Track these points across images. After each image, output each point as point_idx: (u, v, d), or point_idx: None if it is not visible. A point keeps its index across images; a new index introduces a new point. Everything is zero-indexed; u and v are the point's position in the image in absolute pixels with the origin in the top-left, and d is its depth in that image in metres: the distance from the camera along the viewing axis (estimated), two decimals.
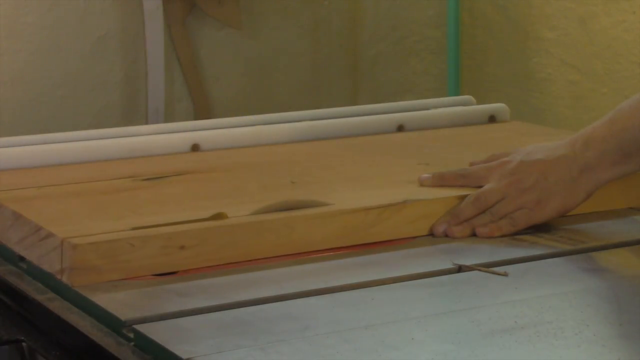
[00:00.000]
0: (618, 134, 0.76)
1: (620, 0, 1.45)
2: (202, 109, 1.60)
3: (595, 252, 0.75)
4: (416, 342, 0.69)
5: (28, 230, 0.76)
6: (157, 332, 0.66)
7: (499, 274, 0.65)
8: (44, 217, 0.77)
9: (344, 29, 1.72)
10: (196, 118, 1.57)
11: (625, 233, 0.82)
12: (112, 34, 1.54)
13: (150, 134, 1.08)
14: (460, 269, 0.65)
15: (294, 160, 1.01)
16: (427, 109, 1.21)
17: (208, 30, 1.61)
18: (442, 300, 0.65)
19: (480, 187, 0.82)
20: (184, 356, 0.62)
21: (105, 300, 0.71)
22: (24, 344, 0.66)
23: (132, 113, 1.57)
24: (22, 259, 0.77)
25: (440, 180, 0.86)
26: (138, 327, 0.67)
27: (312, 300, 0.68)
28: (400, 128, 1.15)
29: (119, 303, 0.71)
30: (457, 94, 1.63)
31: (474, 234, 0.78)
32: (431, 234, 0.80)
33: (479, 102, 1.25)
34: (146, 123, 1.53)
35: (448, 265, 0.65)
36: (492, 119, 1.19)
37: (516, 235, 0.78)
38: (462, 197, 0.81)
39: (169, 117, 1.56)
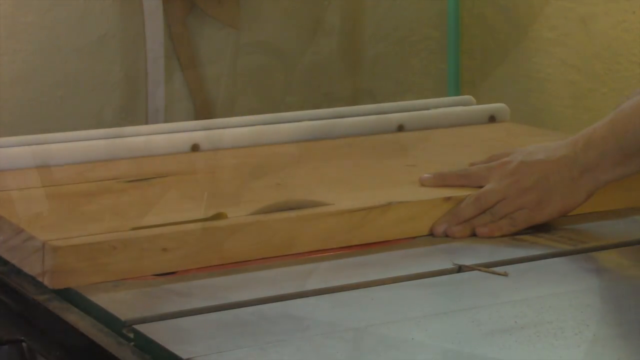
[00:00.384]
0: (619, 134, 0.76)
1: (620, 0, 1.44)
2: (202, 109, 1.60)
3: (595, 252, 0.74)
4: (416, 342, 0.69)
5: (10, 233, 0.76)
6: (157, 332, 0.66)
7: (499, 274, 0.65)
8: (26, 219, 0.77)
9: (344, 29, 1.72)
10: (196, 118, 1.57)
11: (625, 233, 0.82)
12: (112, 34, 1.54)
13: (150, 134, 1.08)
14: (460, 269, 0.65)
15: (283, 162, 1.01)
16: (427, 109, 1.21)
17: (208, 30, 1.61)
18: (442, 300, 0.65)
19: (481, 187, 0.82)
20: (184, 356, 0.62)
21: (105, 300, 0.71)
22: (24, 344, 0.65)
23: (132, 113, 1.57)
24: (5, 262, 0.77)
25: (441, 180, 0.86)
26: (138, 327, 0.67)
27: (312, 300, 0.68)
28: (400, 128, 1.15)
29: (119, 303, 0.71)
30: (457, 94, 1.63)
31: (474, 234, 0.78)
32: (431, 234, 0.80)
33: (479, 102, 1.25)
34: (146, 123, 1.52)
35: (448, 265, 0.65)
36: (492, 119, 1.19)
37: (516, 235, 0.78)
38: (448, 199, 0.81)
39: (169, 117, 1.56)
